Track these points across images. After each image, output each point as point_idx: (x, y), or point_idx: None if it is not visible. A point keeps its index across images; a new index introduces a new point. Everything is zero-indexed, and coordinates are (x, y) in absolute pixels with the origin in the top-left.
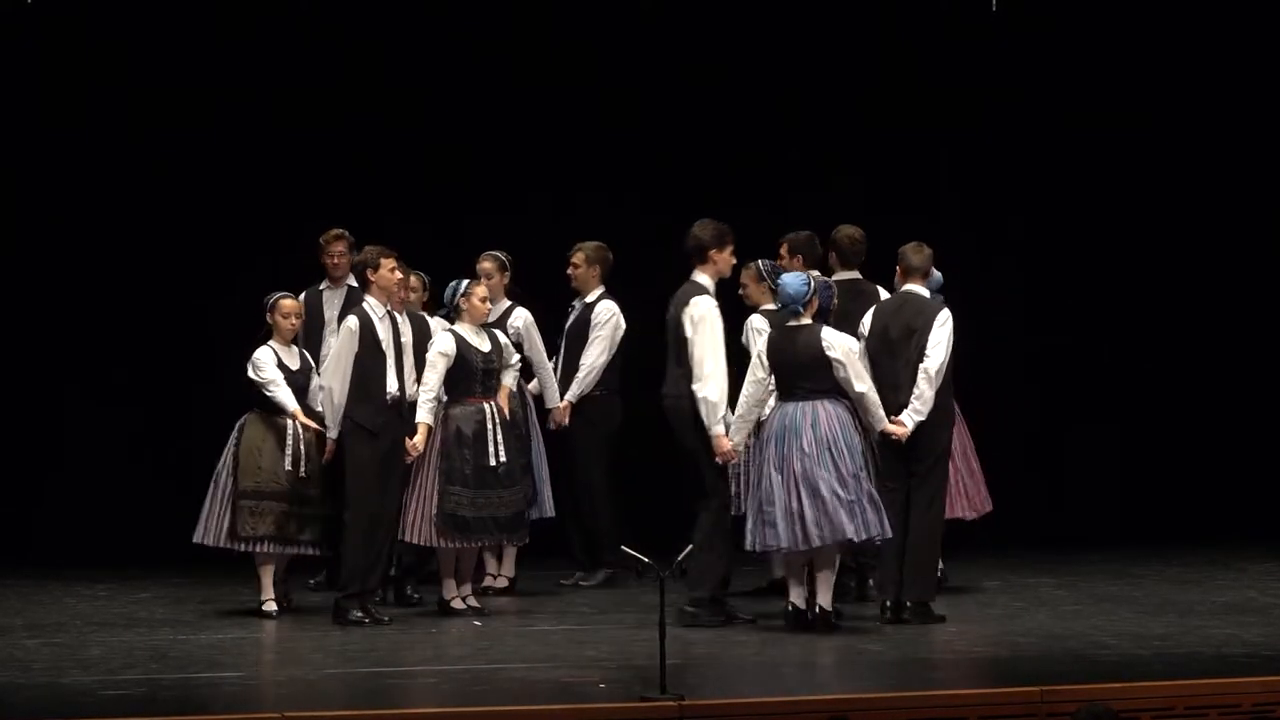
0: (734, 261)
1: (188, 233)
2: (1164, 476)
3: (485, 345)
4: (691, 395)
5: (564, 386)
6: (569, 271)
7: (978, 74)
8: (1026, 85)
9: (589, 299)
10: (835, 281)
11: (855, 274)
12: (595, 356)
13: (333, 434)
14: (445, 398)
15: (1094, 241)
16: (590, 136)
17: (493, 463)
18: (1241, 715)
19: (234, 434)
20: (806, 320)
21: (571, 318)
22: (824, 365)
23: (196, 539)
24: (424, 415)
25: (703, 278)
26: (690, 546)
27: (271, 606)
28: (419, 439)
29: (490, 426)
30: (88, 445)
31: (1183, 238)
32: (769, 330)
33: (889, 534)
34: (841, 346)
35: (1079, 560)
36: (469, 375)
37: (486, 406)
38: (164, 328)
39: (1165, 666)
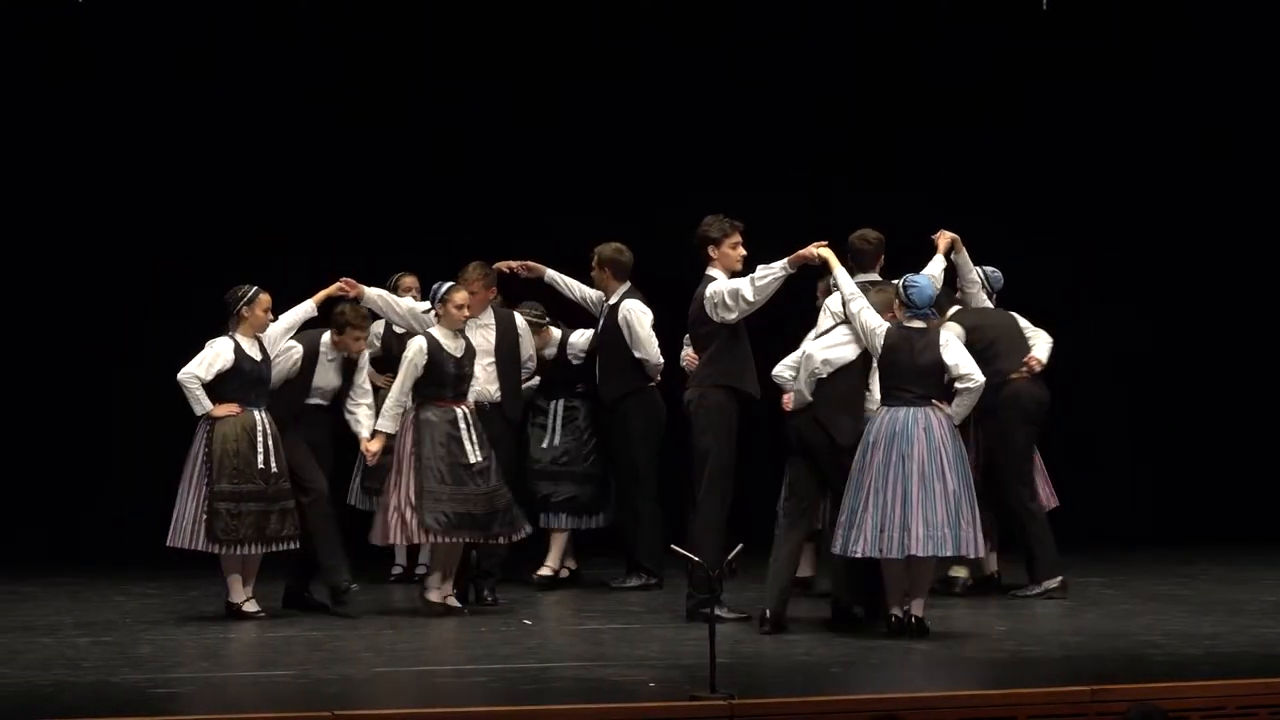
0: (743, 254)
1: (204, 235)
2: (1212, 475)
3: (459, 350)
4: (713, 392)
5: (605, 385)
6: (592, 274)
7: (979, 74)
8: (1028, 85)
9: (612, 300)
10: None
11: (874, 276)
12: (647, 353)
13: (374, 427)
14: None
15: (1129, 239)
16: (590, 137)
17: (470, 460)
18: None
19: (202, 433)
20: (928, 324)
21: (600, 322)
22: (939, 370)
23: (169, 543)
24: (385, 424)
25: (715, 271)
26: (740, 546)
27: (252, 606)
28: (375, 445)
29: (464, 427)
30: (137, 443)
31: (1223, 233)
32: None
33: (981, 552)
34: (955, 339)
35: (1128, 560)
36: (441, 379)
37: (457, 410)
38: (205, 329)
39: (1215, 666)
